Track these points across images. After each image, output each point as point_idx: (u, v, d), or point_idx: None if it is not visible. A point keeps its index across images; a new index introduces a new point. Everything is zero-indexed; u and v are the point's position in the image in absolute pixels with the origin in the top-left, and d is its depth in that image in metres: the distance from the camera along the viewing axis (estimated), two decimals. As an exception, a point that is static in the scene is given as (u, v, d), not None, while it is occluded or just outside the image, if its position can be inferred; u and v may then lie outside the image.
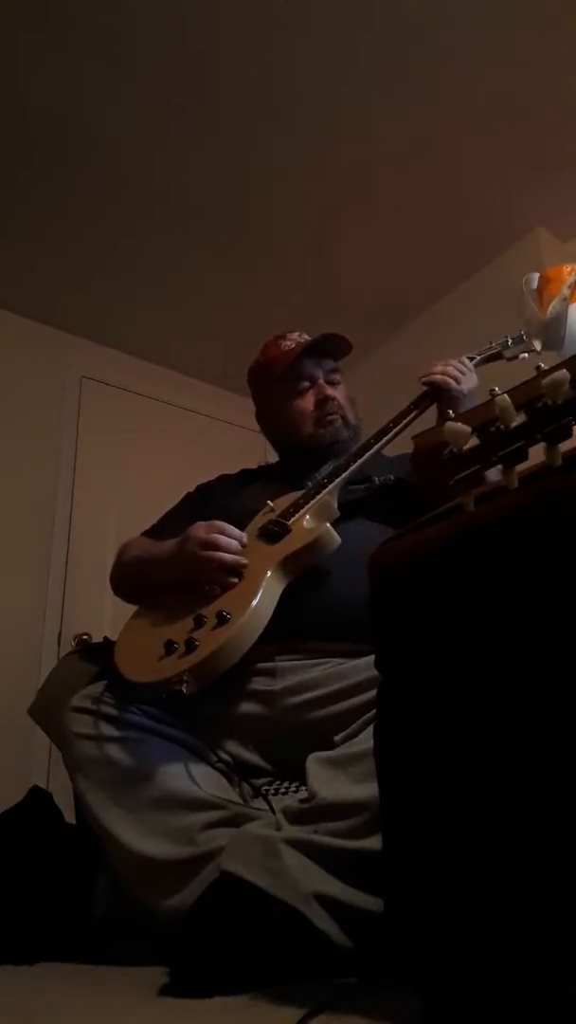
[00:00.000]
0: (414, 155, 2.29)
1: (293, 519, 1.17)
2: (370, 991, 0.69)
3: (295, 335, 1.48)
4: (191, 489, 1.52)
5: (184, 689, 0.98)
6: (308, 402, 1.43)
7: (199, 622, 1.06)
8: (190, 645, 1.02)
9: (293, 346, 1.45)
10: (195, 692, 0.99)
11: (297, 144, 2.23)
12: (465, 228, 2.56)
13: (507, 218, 2.53)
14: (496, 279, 2.67)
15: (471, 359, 1.42)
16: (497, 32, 1.93)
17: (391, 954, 0.57)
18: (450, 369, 1.35)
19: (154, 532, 1.38)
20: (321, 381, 1.44)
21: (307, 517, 1.17)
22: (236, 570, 1.12)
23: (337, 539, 1.13)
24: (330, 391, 1.43)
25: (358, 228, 2.56)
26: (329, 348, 1.45)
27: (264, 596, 1.07)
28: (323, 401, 1.42)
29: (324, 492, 1.20)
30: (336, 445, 1.40)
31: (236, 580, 1.11)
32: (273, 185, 2.37)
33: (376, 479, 1.32)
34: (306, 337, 1.47)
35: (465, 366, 1.37)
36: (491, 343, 1.48)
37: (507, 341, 1.47)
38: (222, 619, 1.04)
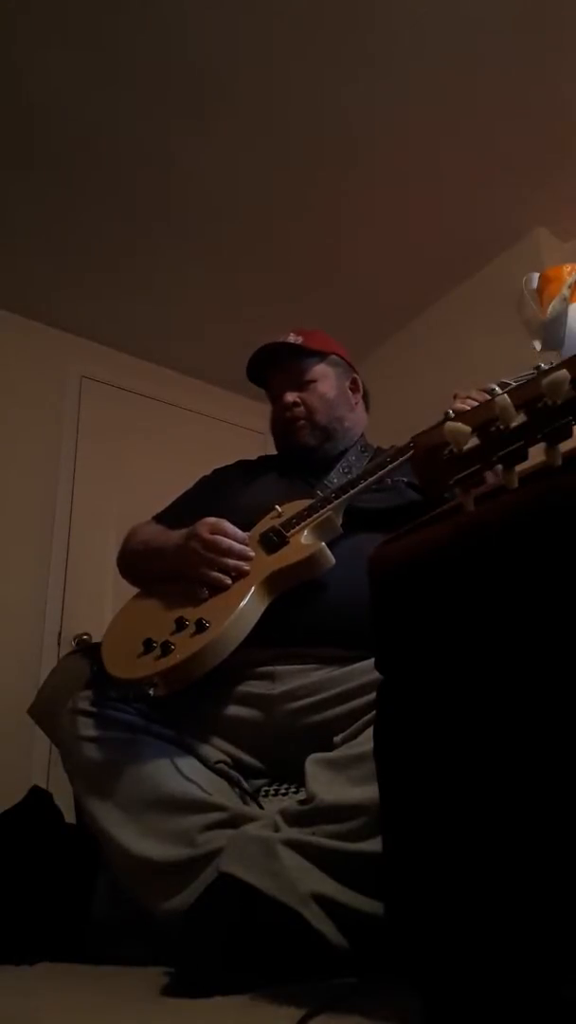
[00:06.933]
0: (415, 156, 2.29)
1: (292, 531, 1.17)
2: (370, 991, 0.69)
3: (279, 338, 1.42)
4: (201, 476, 1.52)
5: (152, 692, 0.98)
6: (275, 412, 1.44)
7: (180, 625, 1.06)
8: (166, 648, 1.03)
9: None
10: (164, 695, 0.99)
11: (298, 145, 2.23)
12: (465, 228, 2.56)
13: (507, 218, 2.53)
14: (496, 279, 2.66)
15: (505, 385, 1.34)
16: (497, 33, 1.93)
17: (391, 955, 0.57)
18: (468, 403, 1.26)
19: (164, 517, 1.39)
20: (282, 390, 1.40)
21: (306, 532, 1.16)
22: (233, 573, 1.12)
23: (331, 559, 1.12)
24: (290, 397, 1.39)
25: (358, 228, 2.55)
26: (277, 358, 1.41)
27: (246, 608, 1.07)
28: (283, 409, 1.40)
29: (328, 508, 1.18)
30: (318, 451, 1.38)
31: (230, 583, 1.11)
32: (273, 185, 2.37)
33: (387, 480, 1.30)
34: (284, 337, 1.42)
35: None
36: (534, 370, 1.38)
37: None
38: (201, 627, 1.04)
